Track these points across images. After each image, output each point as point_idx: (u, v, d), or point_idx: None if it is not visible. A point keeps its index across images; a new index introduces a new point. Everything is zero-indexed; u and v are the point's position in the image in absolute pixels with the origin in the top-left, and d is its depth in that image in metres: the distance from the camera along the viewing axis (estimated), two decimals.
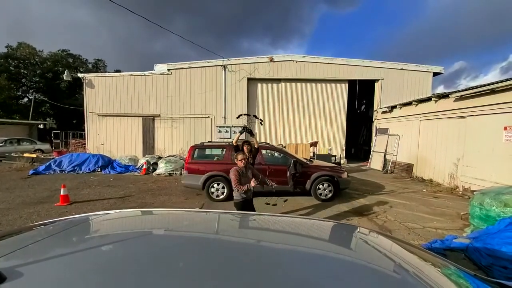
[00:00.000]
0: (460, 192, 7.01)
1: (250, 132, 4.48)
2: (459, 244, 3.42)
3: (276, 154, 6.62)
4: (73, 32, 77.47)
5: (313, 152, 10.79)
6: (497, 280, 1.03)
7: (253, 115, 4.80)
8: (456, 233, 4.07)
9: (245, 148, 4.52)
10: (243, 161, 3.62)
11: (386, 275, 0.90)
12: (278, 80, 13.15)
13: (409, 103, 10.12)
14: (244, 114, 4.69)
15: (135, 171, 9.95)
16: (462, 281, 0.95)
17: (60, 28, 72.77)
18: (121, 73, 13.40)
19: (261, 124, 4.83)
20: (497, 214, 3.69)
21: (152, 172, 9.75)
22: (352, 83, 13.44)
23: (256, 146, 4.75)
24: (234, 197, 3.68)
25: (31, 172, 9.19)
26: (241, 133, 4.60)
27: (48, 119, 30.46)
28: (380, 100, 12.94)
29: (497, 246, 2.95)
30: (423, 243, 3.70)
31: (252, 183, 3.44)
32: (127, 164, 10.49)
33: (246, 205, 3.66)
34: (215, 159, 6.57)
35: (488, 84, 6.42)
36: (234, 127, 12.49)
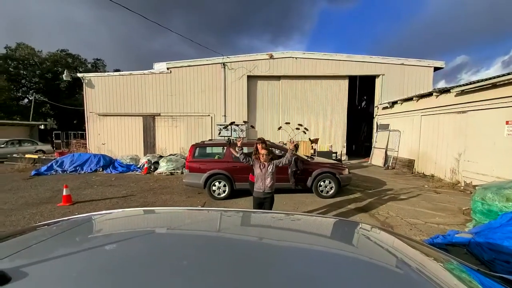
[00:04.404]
0: (462, 187, 7.00)
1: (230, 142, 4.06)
2: (461, 239, 3.42)
3: (277, 151, 6.62)
4: (71, 32, 77.32)
5: (314, 149, 10.79)
6: (500, 275, 1.03)
7: (299, 124, 4.62)
8: (458, 228, 4.07)
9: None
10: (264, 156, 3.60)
11: (389, 271, 0.90)
12: (278, 77, 13.10)
13: (410, 99, 10.07)
14: (244, 122, 4.37)
15: (137, 171, 9.97)
16: (465, 275, 0.96)
17: (59, 28, 72.62)
18: (121, 73, 13.37)
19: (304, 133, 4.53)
20: (499, 209, 3.68)
21: (154, 171, 9.77)
22: (352, 79, 13.39)
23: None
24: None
25: (33, 173, 9.23)
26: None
27: (48, 119, 30.52)
28: (381, 95, 12.89)
29: (499, 241, 2.95)
30: (425, 238, 3.71)
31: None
32: (128, 163, 10.51)
33: (260, 202, 3.72)
34: (216, 157, 6.58)
35: (490, 78, 6.37)
36: (235, 125, 12.47)
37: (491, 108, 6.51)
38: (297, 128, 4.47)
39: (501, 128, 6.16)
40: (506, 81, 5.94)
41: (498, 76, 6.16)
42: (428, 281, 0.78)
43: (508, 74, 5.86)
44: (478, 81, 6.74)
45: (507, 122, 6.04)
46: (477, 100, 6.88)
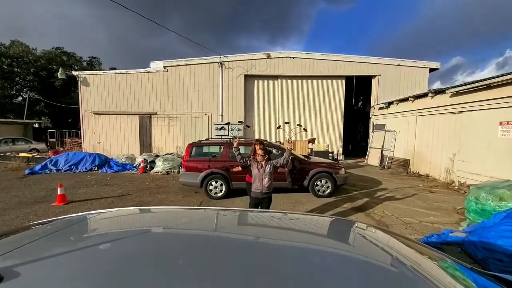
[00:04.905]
0: (456, 187, 7.08)
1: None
2: (455, 238, 3.46)
3: (274, 151, 6.62)
4: (67, 29, 76.34)
5: (311, 149, 10.83)
6: (493, 273, 1.05)
7: (298, 124, 4.78)
8: (452, 227, 4.12)
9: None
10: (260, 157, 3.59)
11: (384, 269, 0.90)
12: (275, 77, 13.11)
13: (405, 99, 10.16)
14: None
15: (133, 170, 9.89)
16: (458, 274, 0.97)
17: (54, 25, 71.66)
18: (117, 71, 13.25)
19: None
20: (493, 208, 3.74)
21: (150, 170, 9.71)
22: (349, 79, 13.45)
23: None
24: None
25: (27, 171, 9.11)
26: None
27: (43, 118, 30.17)
28: (377, 96, 12.98)
29: (492, 240, 3.00)
30: (420, 237, 3.74)
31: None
32: (124, 162, 10.42)
33: (257, 203, 3.71)
34: (213, 156, 6.56)
35: (484, 80, 6.45)
36: (232, 124, 12.46)
37: (485, 109, 6.60)
38: (298, 125, 4.53)
39: (495, 129, 6.24)
40: (500, 82, 6.02)
41: (493, 77, 6.24)
42: (422, 280, 0.79)
43: (502, 75, 5.94)
44: (472, 82, 6.83)
45: (500, 123, 6.12)
46: (471, 101, 6.96)
